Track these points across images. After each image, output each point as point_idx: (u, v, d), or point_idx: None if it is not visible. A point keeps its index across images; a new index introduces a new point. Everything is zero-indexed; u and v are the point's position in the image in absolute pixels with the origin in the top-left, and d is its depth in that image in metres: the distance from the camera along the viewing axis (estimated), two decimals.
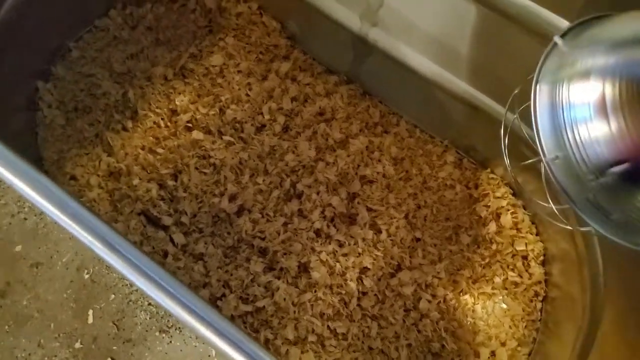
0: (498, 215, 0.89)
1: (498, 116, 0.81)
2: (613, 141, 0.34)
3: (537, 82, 0.39)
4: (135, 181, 0.83)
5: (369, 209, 0.86)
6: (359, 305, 0.80)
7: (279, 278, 0.79)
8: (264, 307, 0.77)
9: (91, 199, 0.81)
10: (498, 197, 0.90)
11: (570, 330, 0.76)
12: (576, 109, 0.36)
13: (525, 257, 0.87)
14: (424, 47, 0.80)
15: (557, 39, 0.40)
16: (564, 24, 0.60)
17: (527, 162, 0.43)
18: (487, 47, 0.72)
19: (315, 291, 0.79)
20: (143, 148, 0.87)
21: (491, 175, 0.92)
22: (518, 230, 0.88)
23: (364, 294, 0.81)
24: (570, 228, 0.48)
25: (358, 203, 0.86)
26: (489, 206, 0.90)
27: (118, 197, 0.82)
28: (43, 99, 0.90)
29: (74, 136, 0.89)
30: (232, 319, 0.77)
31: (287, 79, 0.96)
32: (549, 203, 0.50)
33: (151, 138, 0.88)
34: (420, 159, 0.93)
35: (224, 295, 0.78)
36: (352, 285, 0.80)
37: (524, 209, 0.90)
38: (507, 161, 0.50)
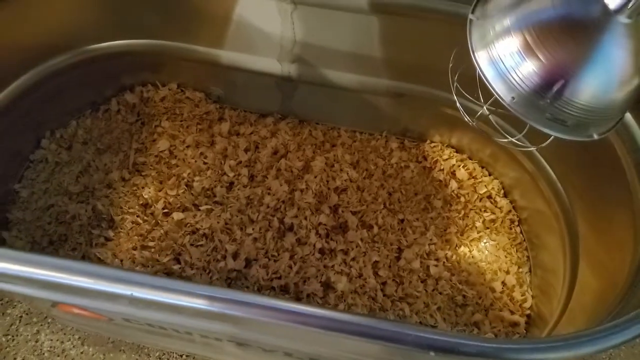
0: (454, 174, 1.03)
1: (421, 95, 0.95)
2: (547, 68, 0.47)
3: (473, 52, 0.51)
4: None
5: (354, 213, 0.96)
6: (384, 295, 0.89)
7: (310, 304, 0.86)
8: None
9: None
10: (446, 159, 1.04)
11: (552, 237, 0.89)
12: (512, 57, 0.49)
13: (490, 197, 1.01)
14: (342, 64, 0.92)
15: (471, 16, 0.53)
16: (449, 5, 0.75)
17: (477, 115, 0.56)
18: (396, 44, 0.85)
19: (345, 300, 0.86)
20: (135, 248, 0.89)
21: (432, 144, 1.06)
22: (474, 178, 1.02)
23: (384, 283, 0.90)
24: (533, 148, 0.61)
25: (342, 212, 0.96)
26: (442, 169, 1.03)
27: None
28: (14, 247, 0.89)
29: None
30: None
31: (232, 136, 1.04)
32: (506, 138, 0.63)
33: (137, 237, 0.91)
34: (371, 156, 1.04)
35: None
36: (372, 280, 0.89)
37: (470, 159, 1.05)
38: (466, 117, 0.62)
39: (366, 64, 0.90)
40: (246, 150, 1.01)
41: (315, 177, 0.98)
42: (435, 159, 1.04)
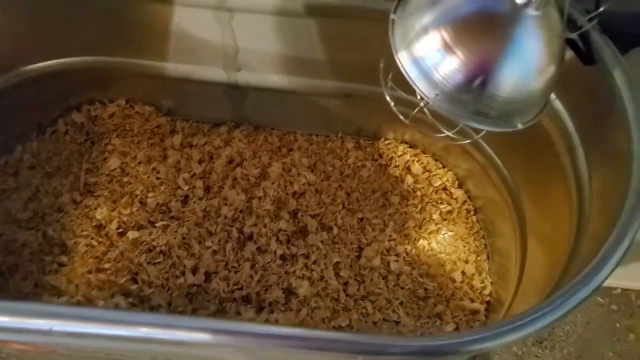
0: (409, 169, 1.04)
1: (369, 94, 0.96)
2: (466, 64, 0.48)
3: (396, 52, 0.52)
4: (100, 303, 0.84)
5: (313, 216, 0.96)
6: (347, 295, 0.89)
7: (272, 312, 0.86)
8: None
9: None
10: (401, 155, 1.05)
11: (505, 223, 0.91)
12: (432, 56, 0.49)
13: (445, 189, 1.02)
14: (288, 68, 0.92)
15: (392, 16, 0.54)
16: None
17: (414, 112, 0.56)
18: (337, 45, 0.86)
19: (307, 304, 0.87)
20: (90, 272, 0.87)
21: (387, 142, 1.07)
22: (429, 171, 1.04)
23: (346, 283, 0.90)
24: (469, 141, 0.62)
25: (302, 216, 0.96)
26: (398, 165, 1.04)
27: None
28: None
29: (12, 298, 0.87)
30: None
31: (185, 148, 1.03)
32: (443, 132, 0.64)
33: (92, 260, 0.89)
34: (328, 157, 1.05)
35: None
36: (333, 282, 0.89)
37: (424, 153, 1.06)
38: (401, 118, 0.63)
39: (310, 67, 0.90)
40: (200, 162, 1.00)
41: (273, 183, 0.98)
42: (390, 156, 1.05)
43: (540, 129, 0.69)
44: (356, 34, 0.82)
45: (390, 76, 0.64)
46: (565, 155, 0.66)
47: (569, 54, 0.58)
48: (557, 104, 0.65)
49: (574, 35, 0.53)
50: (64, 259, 0.89)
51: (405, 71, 0.52)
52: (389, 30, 0.54)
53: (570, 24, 0.54)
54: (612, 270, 0.52)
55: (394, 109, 0.61)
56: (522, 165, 0.81)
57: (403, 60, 0.52)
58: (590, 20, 0.52)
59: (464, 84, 0.49)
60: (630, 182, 0.55)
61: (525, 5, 0.46)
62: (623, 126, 0.53)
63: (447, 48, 0.48)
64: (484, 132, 0.56)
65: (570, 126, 0.64)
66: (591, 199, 0.65)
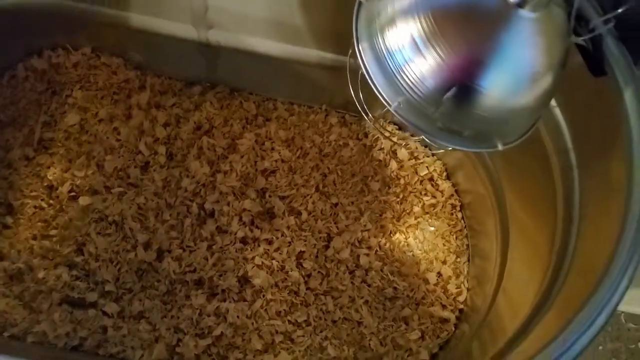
0: (394, 153, 0.94)
1: (358, 68, 0.85)
2: (435, 72, 0.38)
3: (358, 43, 0.42)
4: (41, 274, 0.78)
5: (282, 198, 0.88)
6: (308, 288, 0.82)
7: (224, 300, 0.80)
8: (221, 333, 0.77)
9: (2, 312, 0.75)
10: (388, 137, 0.95)
11: (490, 223, 0.83)
12: (396, 55, 0.39)
13: (431, 179, 0.93)
14: (265, 31, 0.81)
15: None
16: None
17: (377, 113, 0.46)
18: (318, 11, 0.74)
19: (263, 295, 0.80)
20: (35, 237, 0.81)
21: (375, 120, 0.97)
22: (416, 158, 0.94)
23: (309, 276, 0.83)
24: (442, 151, 0.52)
25: (270, 196, 0.88)
26: (383, 148, 0.94)
27: (30, 297, 0.77)
28: None
29: None
30: (197, 358, 0.76)
31: (152, 108, 0.93)
32: (417, 136, 0.54)
33: (39, 224, 0.83)
34: (309, 132, 0.95)
35: (179, 340, 0.77)
36: (295, 273, 0.82)
37: (412, 136, 0.96)
38: (365, 116, 0.53)
39: (289, 32, 0.80)
40: (165, 125, 0.92)
41: (242, 157, 0.89)
42: (376, 137, 0.95)
43: (537, 138, 0.59)
44: (338, 2, 0.71)
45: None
46: (558, 174, 0.56)
47: (578, 58, 0.47)
48: (557, 113, 0.55)
49: (582, 40, 0.42)
50: (8, 220, 0.83)
51: (366, 69, 0.42)
52: (354, 14, 0.43)
53: (582, 22, 0.43)
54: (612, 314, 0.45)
55: (360, 107, 0.52)
56: (511, 168, 0.72)
57: (365, 54, 0.42)
58: (606, 22, 0.41)
59: (434, 94, 0.39)
60: (626, 224, 0.46)
61: (519, 4, 0.35)
62: (624, 160, 0.44)
63: (416, 48, 0.38)
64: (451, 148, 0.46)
65: (569, 143, 0.54)
66: (580, 226, 0.56)
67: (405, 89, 0.39)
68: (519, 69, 0.38)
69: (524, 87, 0.39)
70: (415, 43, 0.38)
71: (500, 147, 0.43)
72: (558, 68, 0.40)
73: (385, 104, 0.41)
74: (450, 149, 0.48)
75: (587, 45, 0.43)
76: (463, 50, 0.37)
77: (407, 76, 0.39)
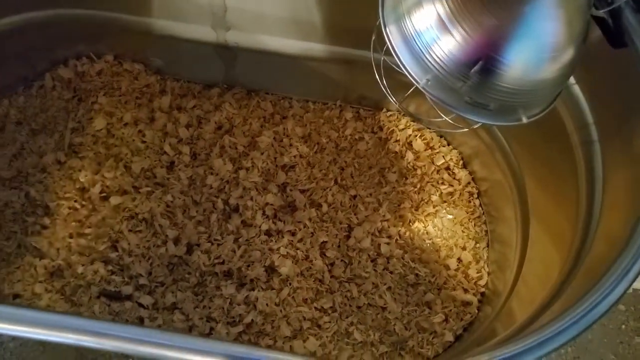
0: (410, 144, 0.97)
1: (371, 61, 0.88)
2: (462, 48, 0.41)
3: (385, 26, 0.45)
4: (80, 269, 0.81)
5: (302, 191, 0.91)
6: (332, 276, 0.85)
7: (253, 289, 0.82)
8: (252, 321, 0.80)
9: (46, 306, 0.78)
10: (403, 129, 0.98)
11: (508, 209, 0.86)
12: (424, 34, 0.42)
13: (448, 168, 0.96)
14: (281, 30, 0.85)
15: None
16: None
17: (407, 93, 0.49)
18: (332, 6, 0.78)
19: (290, 284, 0.83)
20: (71, 236, 0.85)
21: (389, 113, 1.00)
22: (432, 148, 0.97)
23: (332, 264, 0.86)
24: (466, 129, 0.55)
25: (290, 190, 0.91)
26: (398, 140, 0.97)
27: (71, 292, 0.80)
28: None
29: None
30: None
31: (174, 110, 0.97)
32: (441, 117, 0.58)
33: (74, 223, 0.86)
34: (325, 127, 0.98)
35: (212, 329, 0.80)
36: (319, 262, 0.85)
37: (428, 128, 0.99)
38: (392, 99, 0.56)
39: (305, 29, 0.83)
40: (188, 127, 0.95)
41: (262, 153, 0.93)
42: (391, 129, 0.98)
43: (556, 116, 0.62)
44: None
45: (385, 48, 0.57)
46: (579, 151, 0.58)
47: (597, 32, 0.50)
48: (576, 90, 0.57)
49: (602, 13, 0.45)
50: (46, 221, 0.86)
51: (394, 50, 0.45)
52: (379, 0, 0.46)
53: None
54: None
55: (385, 90, 0.55)
56: (530, 152, 0.75)
57: (392, 36, 0.45)
58: None
59: (461, 69, 0.42)
60: None
61: None
62: None
63: (443, 26, 0.41)
64: (480, 124, 0.49)
65: (589, 117, 0.57)
66: (603, 199, 0.58)
67: (433, 66, 0.42)
68: (541, 42, 0.41)
69: (546, 59, 0.42)
70: (442, 21, 0.41)
71: (524, 119, 0.46)
72: (579, 41, 0.43)
73: (414, 82, 0.44)
74: (476, 126, 0.51)
75: (607, 18, 0.46)
76: (488, 24, 0.40)
77: (435, 54, 0.42)
